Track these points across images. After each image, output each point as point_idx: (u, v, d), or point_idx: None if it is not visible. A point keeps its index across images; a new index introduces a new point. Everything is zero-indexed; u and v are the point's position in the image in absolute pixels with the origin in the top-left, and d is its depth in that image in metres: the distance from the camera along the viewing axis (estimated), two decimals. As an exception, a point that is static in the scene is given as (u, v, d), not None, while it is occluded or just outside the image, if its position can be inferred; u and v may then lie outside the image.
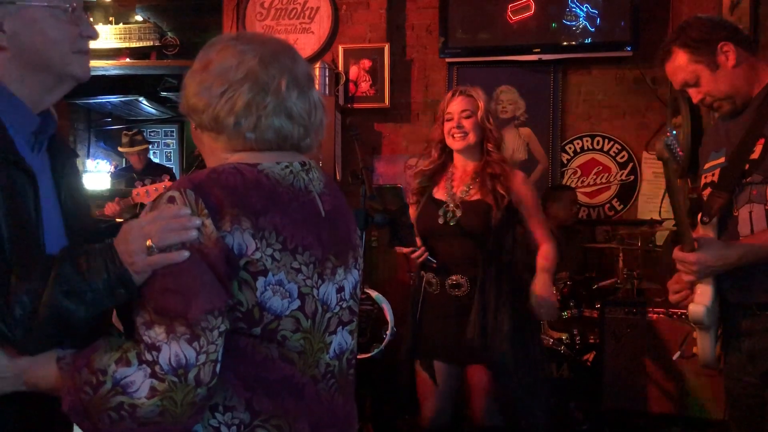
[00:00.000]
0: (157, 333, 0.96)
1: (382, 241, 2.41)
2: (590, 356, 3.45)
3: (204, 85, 1.11)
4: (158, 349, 0.96)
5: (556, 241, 2.54)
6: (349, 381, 1.22)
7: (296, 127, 1.14)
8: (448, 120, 2.48)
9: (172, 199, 1.02)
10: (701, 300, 1.75)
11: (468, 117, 2.45)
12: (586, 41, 4.14)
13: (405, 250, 2.43)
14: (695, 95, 1.85)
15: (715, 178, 1.83)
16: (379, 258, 4.27)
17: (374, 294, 3.10)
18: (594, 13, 4.12)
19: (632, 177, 4.30)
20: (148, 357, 0.96)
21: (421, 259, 2.42)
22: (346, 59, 4.42)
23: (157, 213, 1.02)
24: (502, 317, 2.35)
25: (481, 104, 2.47)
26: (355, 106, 4.43)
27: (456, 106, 2.48)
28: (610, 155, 4.33)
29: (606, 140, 4.33)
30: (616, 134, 4.31)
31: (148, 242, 0.99)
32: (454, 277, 2.42)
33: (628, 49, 4.08)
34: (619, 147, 4.31)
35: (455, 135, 2.46)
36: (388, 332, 2.97)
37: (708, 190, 1.83)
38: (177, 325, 0.96)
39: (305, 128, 1.16)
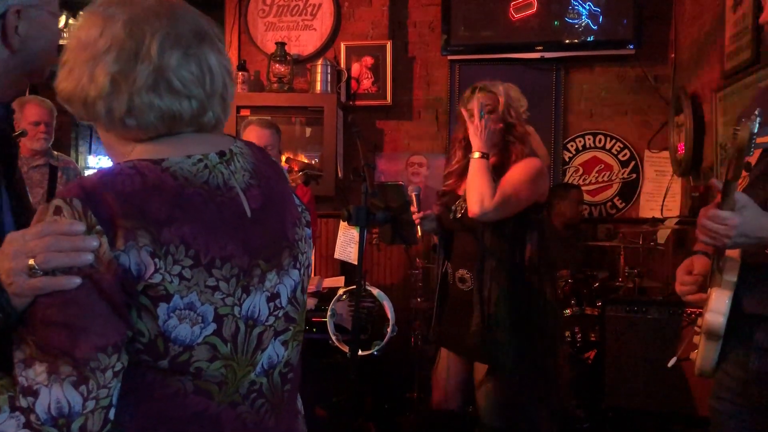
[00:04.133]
0: (37, 373, 0.81)
1: (383, 239, 2.40)
2: (591, 354, 3.46)
3: (68, 66, 0.93)
4: (35, 394, 0.80)
5: (561, 240, 2.48)
6: (285, 399, 1.04)
7: (184, 101, 0.93)
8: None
9: (58, 210, 0.84)
10: (718, 308, 1.54)
11: (490, 112, 2.43)
12: (589, 39, 4.14)
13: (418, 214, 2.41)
14: (766, 14, 1.59)
15: (753, 161, 1.58)
16: (380, 256, 4.28)
17: (375, 291, 3.10)
18: (596, 11, 4.11)
19: (634, 175, 4.30)
20: (23, 403, 0.80)
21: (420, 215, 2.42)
22: (348, 56, 4.42)
23: (43, 226, 0.84)
24: (502, 312, 2.30)
25: (501, 99, 2.46)
26: (357, 103, 4.43)
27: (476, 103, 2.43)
28: (612, 153, 4.32)
29: (608, 138, 4.32)
30: (618, 132, 4.31)
31: (31, 261, 0.82)
32: (460, 272, 2.44)
33: (631, 47, 4.08)
34: (621, 145, 4.31)
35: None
36: (389, 329, 2.97)
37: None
38: (61, 364, 0.80)
39: (199, 102, 0.94)
